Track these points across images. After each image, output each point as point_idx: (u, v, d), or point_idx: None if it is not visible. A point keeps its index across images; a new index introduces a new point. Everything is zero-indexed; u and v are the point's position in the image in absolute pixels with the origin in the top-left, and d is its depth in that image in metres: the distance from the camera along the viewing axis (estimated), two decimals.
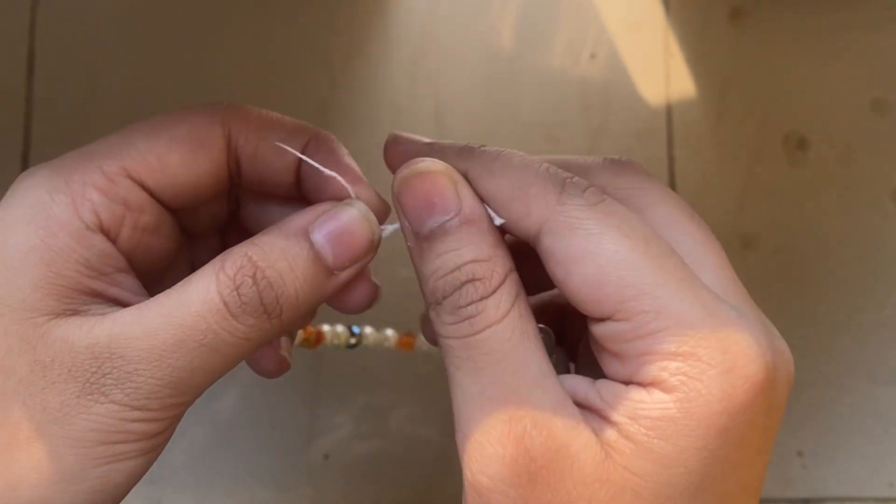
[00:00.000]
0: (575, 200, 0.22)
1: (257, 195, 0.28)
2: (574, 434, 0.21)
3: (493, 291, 0.22)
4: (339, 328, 0.34)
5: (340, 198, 0.25)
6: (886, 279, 0.53)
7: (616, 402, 0.21)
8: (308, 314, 0.24)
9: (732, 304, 0.23)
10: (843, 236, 0.53)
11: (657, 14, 0.55)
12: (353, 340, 0.35)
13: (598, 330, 0.22)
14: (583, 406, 0.22)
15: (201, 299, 0.22)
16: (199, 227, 0.28)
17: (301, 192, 0.27)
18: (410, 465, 0.50)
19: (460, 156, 0.25)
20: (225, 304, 0.22)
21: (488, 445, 0.21)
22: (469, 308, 0.22)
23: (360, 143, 0.54)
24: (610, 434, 0.21)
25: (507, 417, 0.21)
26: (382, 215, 0.26)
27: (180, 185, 0.25)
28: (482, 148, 0.25)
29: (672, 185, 0.54)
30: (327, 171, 0.25)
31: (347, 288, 0.26)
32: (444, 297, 0.22)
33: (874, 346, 0.52)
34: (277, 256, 0.23)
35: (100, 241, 0.23)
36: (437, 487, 0.49)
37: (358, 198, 0.25)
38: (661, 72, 0.55)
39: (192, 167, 0.25)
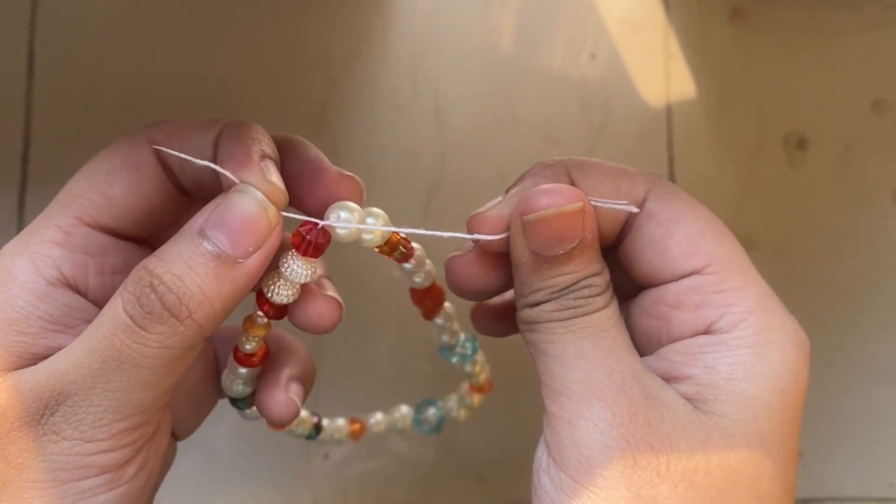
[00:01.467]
0: (664, 180, 0.26)
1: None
2: (662, 387, 0.24)
3: (602, 292, 0.25)
4: (303, 413, 0.34)
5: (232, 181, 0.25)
6: (886, 279, 0.53)
7: (689, 358, 0.24)
8: (229, 308, 0.24)
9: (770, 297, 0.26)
10: (843, 236, 0.53)
11: (657, 14, 0.55)
12: (313, 432, 0.34)
13: (683, 284, 0.25)
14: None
15: (110, 318, 0.23)
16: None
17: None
18: (412, 465, 0.50)
19: (554, 168, 0.26)
20: (130, 317, 0.23)
21: (589, 394, 0.23)
22: (579, 301, 0.24)
23: (360, 142, 0.54)
24: (688, 388, 0.24)
25: (608, 370, 0.23)
26: (274, 197, 0.25)
27: (133, 214, 0.25)
28: (558, 158, 0.27)
29: None
30: (200, 163, 0.25)
31: (304, 306, 0.27)
32: (554, 295, 0.24)
33: (874, 346, 0.52)
34: (174, 259, 0.23)
35: (64, 296, 0.24)
36: (438, 487, 0.49)
37: (244, 182, 0.25)
38: (661, 72, 0.55)
39: (136, 192, 0.25)
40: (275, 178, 0.25)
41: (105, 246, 0.25)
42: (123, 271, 0.25)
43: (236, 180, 0.24)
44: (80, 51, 0.53)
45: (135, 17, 0.54)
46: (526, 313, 0.25)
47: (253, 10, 0.54)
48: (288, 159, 0.27)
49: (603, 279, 0.25)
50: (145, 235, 0.26)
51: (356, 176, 0.27)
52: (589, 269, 0.24)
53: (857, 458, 0.51)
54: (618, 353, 0.24)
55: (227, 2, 0.54)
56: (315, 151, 0.27)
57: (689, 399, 0.24)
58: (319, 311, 0.27)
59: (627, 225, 0.26)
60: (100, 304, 0.25)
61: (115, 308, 0.23)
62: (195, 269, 0.23)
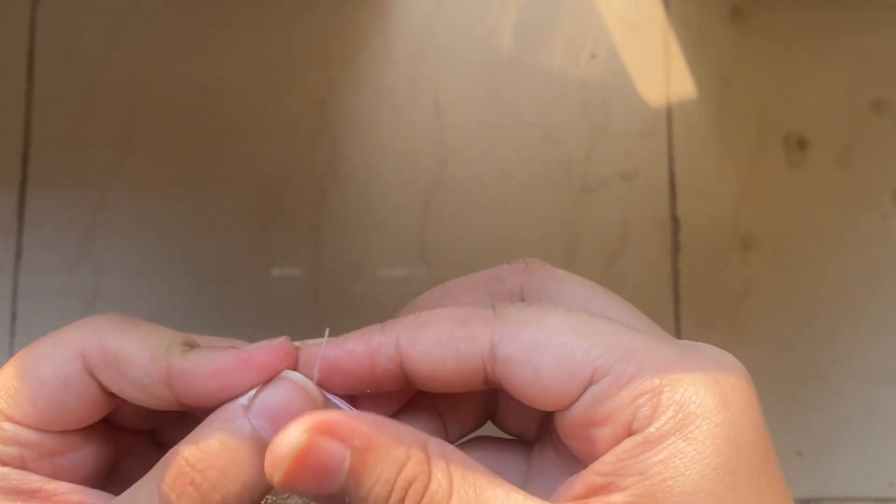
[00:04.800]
0: (509, 308, 0.23)
1: None
2: None
3: (429, 479, 0.21)
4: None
5: (244, 378, 0.23)
6: (886, 279, 0.53)
7: (621, 467, 0.21)
8: (264, 494, 0.23)
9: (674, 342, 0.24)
10: (843, 236, 0.53)
11: (657, 14, 0.55)
12: None
13: (583, 402, 0.22)
14: (585, 496, 0.22)
15: None
16: (131, 421, 0.26)
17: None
18: None
19: (384, 332, 0.24)
20: None
21: None
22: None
23: (360, 142, 0.54)
24: (626, 499, 0.21)
25: None
26: (292, 357, 0.24)
27: (59, 422, 0.24)
28: (400, 318, 0.24)
29: (672, 184, 0.54)
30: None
31: None
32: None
33: (874, 346, 0.52)
34: (217, 452, 0.22)
35: (11, 472, 0.23)
36: None
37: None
38: (661, 72, 0.55)
39: (60, 405, 0.24)
40: (276, 341, 0.24)
41: (37, 438, 0.24)
42: (62, 453, 0.24)
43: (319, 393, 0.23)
44: (80, 51, 0.53)
45: (134, 17, 0.54)
46: None
47: (252, 10, 0.54)
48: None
49: (415, 461, 0.21)
50: (74, 430, 0.25)
51: (272, 344, 0.25)
52: (389, 469, 0.21)
53: (857, 458, 0.51)
54: None
55: (226, 2, 0.54)
56: (217, 358, 0.24)
57: None
58: None
59: (489, 374, 0.23)
60: (46, 476, 0.24)
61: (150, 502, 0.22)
62: (239, 462, 0.22)
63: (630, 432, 0.21)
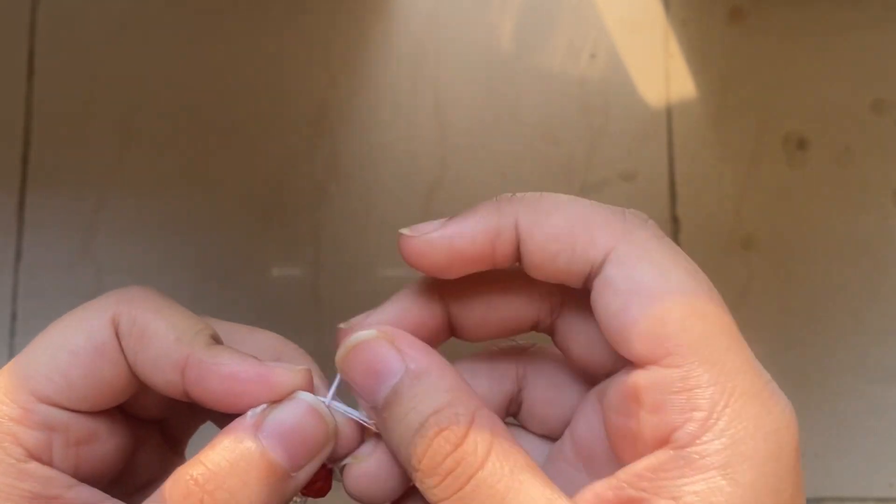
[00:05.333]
0: (640, 230, 0.21)
1: None
2: None
3: (465, 436, 0.21)
4: None
5: (258, 392, 0.23)
6: (886, 279, 0.53)
7: (652, 484, 0.20)
8: None
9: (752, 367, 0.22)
10: (843, 236, 0.53)
11: (657, 14, 0.55)
12: None
13: (639, 378, 0.20)
14: None
15: None
16: (148, 410, 0.26)
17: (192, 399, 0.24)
18: None
19: (500, 209, 0.23)
20: None
21: None
22: (447, 463, 0.20)
23: (360, 142, 0.54)
24: None
25: None
26: (309, 382, 0.24)
27: (92, 396, 0.24)
28: (519, 195, 0.24)
29: (672, 184, 0.54)
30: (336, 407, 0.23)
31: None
32: (420, 462, 0.21)
33: (874, 346, 0.52)
34: (226, 473, 0.22)
35: (37, 469, 0.23)
36: None
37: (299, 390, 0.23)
38: (661, 72, 0.55)
39: (95, 375, 0.23)
40: (296, 365, 0.24)
41: (68, 421, 0.23)
42: (91, 439, 0.24)
43: (289, 383, 0.23)
44: (80, 52, 0.53)
45: (135, 18, 0.54)
46: (422, 492, 0.21)
47: (252, 10, 0.54)
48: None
49: (455, 411, 0.21)
50: (102, 410, 0.24)
51: (292, 368, 0.25)
52: (430, 402, 0.21)
53: (857, 458, 0.51)
54: None
55: (227, 3, 0.54)
56: (235, 361, 0.24)
57: None
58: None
59: (592, 274, 0.22)
60: (75, 471, 0.23)
61: None
62: (249, 484, 0.22)
63: (670, 442, 0.20)
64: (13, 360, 0.24)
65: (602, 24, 0.55)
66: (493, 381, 0.24)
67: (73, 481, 0.23)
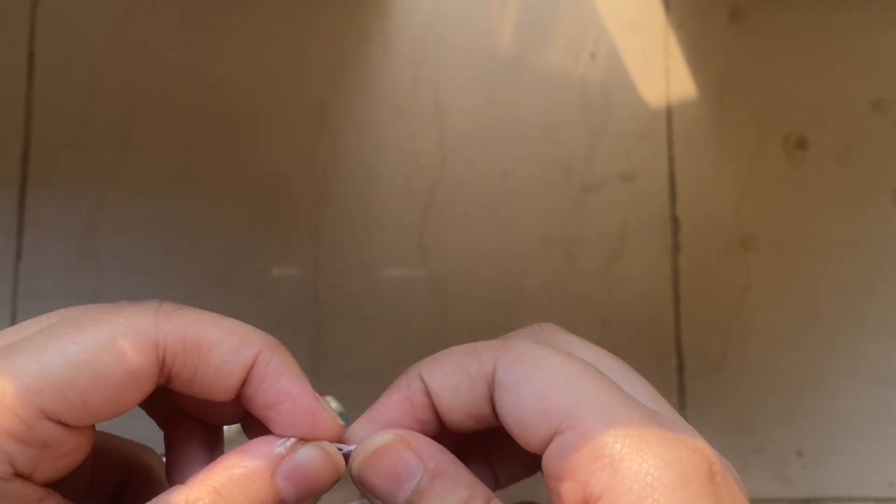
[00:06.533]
0: (516, 339, 0.24)
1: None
2: None
3: None
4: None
5: (300, 425, 0.24)
6: (886, 279, 0.53)
7: None
8: None
9: (667, 414, 0.23)
10: (843, 236, 0.53)
11: (657, 14, 0.55)
12: None
13: (552, 450, 0.22)
14: None
15: None
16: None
17: (241, 406, 0.25)
18: None
19: (408, 374, 0.25)
20: None
21: None
22: None
23: (360, 143, 0.54)
24: None
25: None
26: (338, 438, 0.25)
27: (103, 414, 0.22)
28: (417, 363, 0.25)
29: (672, 184, 0.54)
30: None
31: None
32: None
33: (874, 346, 0.52)
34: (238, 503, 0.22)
35: (19, 487, 0.22)
36: None
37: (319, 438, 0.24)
38: (661, 72, 0.55)
39: (117, 398, 0.22)
40: (338, 419, 0.25)
41: (62, 437, 0.22)
42: (75, 451, 0.23)
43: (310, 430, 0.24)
44: (80, 51, 0.53)
45: (134, 17, 0.54)
46: None
47: (252, 10, 0.54)
48: (270, 380, 0.25)
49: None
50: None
51: (336, 417, 0.25)
52: (454, 498, 0.22)
53: (857, 458, 0.51)
54: None
55: (226, 2, 0.54)
56: (298, 380, 0.25)
57: None
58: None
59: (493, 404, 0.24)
60: (49, 482, 0.22)
61: None
62: None
63: (586, 496, 0.21)
64: (20, 361, 0.21)
65: (602, 24, 0.55)
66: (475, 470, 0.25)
67: (45, 492, 0.22)
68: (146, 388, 0.23)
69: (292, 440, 0.24)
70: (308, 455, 0.24)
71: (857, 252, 0.53)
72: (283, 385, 0.24)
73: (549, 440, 0.22)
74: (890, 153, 0.54)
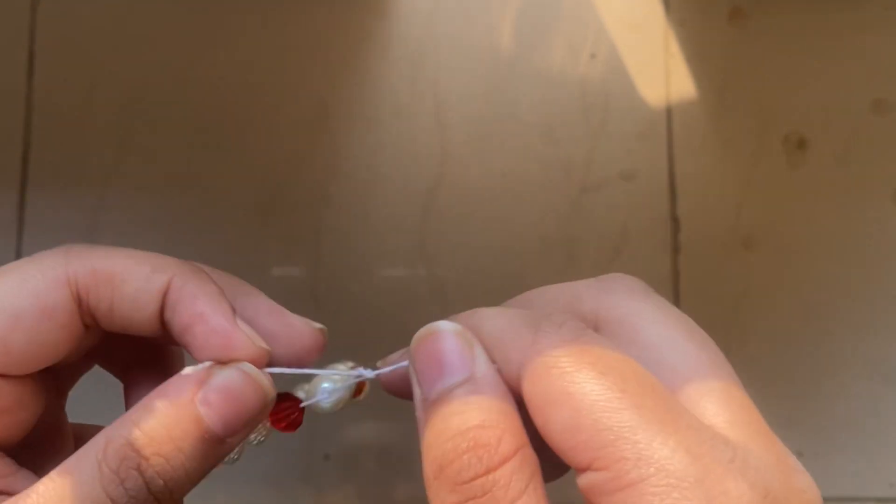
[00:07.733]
0: (549, 339, 0.20)
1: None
2: None
3: (501, 464, 0.19)
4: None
5: (215, 346, 0.23)
6: (886, 279, 0.53)
7: None
8: (200, 480, 0.23)
9: (737, 437, 0.20)
10: (843, 236, 0.53)
11: (657, 14, 0.55)
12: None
13: (581, 482, 0.19)
14: None
15: (86, 496, 0.21)
16: (69, 370, 0.26)
17: (167, 333, 0.24)
18: (412, 464, 0.50)
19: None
20: (112, 500, 0.21)
21: None
22: (473, 485, 0.19)
23: (360, 143, 0.54)
24: None
25: None
26: (263, 361, 0.24)
27: (32, 361, 0.22)
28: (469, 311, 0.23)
29: (672, 185, 0.54)
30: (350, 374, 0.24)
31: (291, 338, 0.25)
32: (442, 469, 0.19)
33: (874, 346, 0.52)
34: (163, 439, 0.21)
35: None
36: None
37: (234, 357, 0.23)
38: (661, 72, 0.55)
39: (41, 342, 0.22)
40: (260, 341, 0.23)
41: None
42: (14, 406, 0.23)
43: (232, 347, 0.23)
44: (80, 51, 0.53)
45: (134, 17, 0.54)
46: (430, 501, 0.21)
47: (252, 10, 0.54)
48: (242, 306, 0.24)
49: (499, 434, 0.19)
50: (31, 372, 0.23)
51: (321, 327, 0.25)
52: (479, 415, 0.20)
53: (857, 458, 0.51)
54: None
55: (226, 2, 0.54)
56: (269, 301, 0.24)
57: None
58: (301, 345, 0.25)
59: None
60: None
61: (92, 485, 0.21)
62: (184, 450, 0.22)
63: None
64: None
65: (602, 24, 0.55)
66: None
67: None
68: (70, 327, 0.23)
69: (208, 364, 0.23)
70: (224, 377, 0.22)
71: (857, 252, 0.53)
72: (197, 307, 0.23)
73: (580, 468, 0.19)
74: (890, 153, 0.54)
